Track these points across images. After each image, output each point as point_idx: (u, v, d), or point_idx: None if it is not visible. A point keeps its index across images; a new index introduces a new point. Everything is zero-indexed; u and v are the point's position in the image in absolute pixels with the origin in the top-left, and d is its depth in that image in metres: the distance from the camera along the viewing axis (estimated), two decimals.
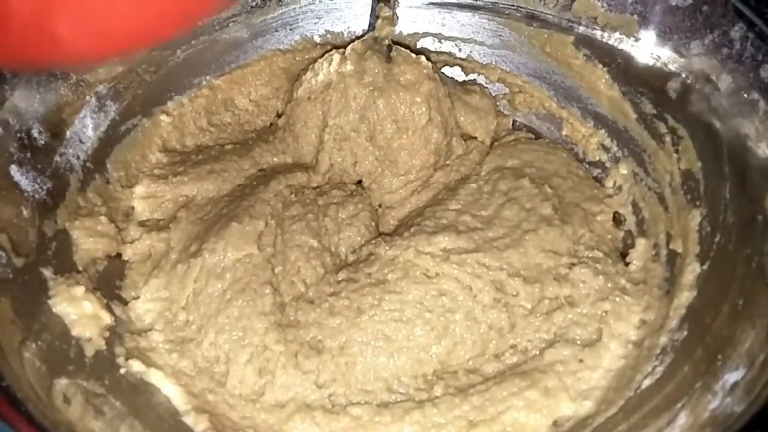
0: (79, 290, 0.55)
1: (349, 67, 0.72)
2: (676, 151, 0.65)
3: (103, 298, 0.58)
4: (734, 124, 0.57)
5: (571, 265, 0.63)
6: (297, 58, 0.81)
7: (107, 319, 0.57)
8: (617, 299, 0.61)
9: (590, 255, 0.65)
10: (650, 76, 0.67)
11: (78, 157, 0.63)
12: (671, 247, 0.63)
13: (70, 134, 0.62)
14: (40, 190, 0.56)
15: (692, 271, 0.58)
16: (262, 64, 0.80)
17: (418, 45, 0.83)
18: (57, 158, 0.60)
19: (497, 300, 0.61)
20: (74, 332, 0.53)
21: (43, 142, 0.58)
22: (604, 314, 0.60)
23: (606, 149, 0.75)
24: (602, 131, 0.75)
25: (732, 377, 0.43)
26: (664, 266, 0.63)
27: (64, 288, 0.55)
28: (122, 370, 0.54)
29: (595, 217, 0.69)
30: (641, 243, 0.67)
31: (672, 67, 0.64)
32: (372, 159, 0.74)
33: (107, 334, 0.56)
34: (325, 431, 0.54)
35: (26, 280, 0.51)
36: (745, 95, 0.57)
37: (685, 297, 0.57)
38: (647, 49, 0.67)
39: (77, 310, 0.54)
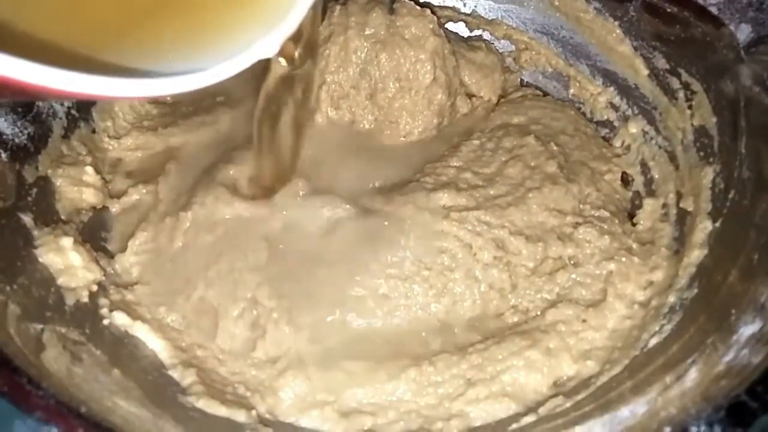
0: (68, 241, 0.53)
1: (350, 18, 0.68)
2: (690, 107, 0.62)
3: (92, 251, 0.56)
4: (752, 76, 0.54)
5: (576, 225, 0.61)
6: None
7: (96, 272, 0.54)
8: (623, 259, 0.59)
9: (596, 214, 0.62)
10: (664, 28, 0.64)
11: (62, 103, 0.60)
12: (681, 205, 0.61)
13: None
14: (20, 134, 0.54)
15: (704, 229, 0.55)
16: None
17: None
18: (39, 102, 0.57)
19: (498, 259, 0.58)
20: (60, 281, 0.51)
21: None
22: (609, 274, 0.58)
23: (615, 108, 0.72)
24: (611, 89, 0.72)
25: (748, 330, 0.41)
26: (673, 225, 0.61)
27: (51, 238, 0.52)
28: (105, 321, 0.52)
29: (602, 177, 0.66)
30: (649, 203, 0.64)
31: (688, 18, 0.61)
32: (371, 119, 0.71)
33: (95, 287, 0.54)
34: (318, 387, 0.52)
35: (3, 224, 0.49)
36: (765, 45, 0.54)
37: (695, 255, 0.54)
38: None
39: (64, 260, 0.52)
